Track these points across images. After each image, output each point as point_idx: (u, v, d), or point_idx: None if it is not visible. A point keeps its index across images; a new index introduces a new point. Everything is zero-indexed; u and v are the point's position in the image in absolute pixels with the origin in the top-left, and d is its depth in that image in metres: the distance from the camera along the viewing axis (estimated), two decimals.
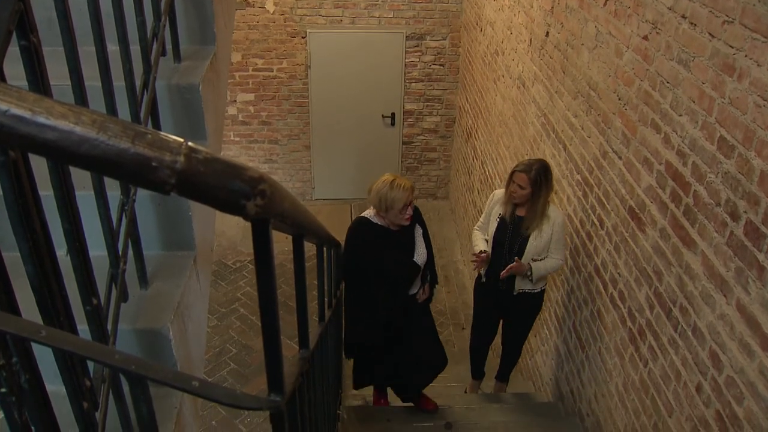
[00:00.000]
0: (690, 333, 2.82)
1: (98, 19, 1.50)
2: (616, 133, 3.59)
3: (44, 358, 1.09)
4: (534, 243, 4.15)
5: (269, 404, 1.07)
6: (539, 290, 4.40)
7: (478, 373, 5.28)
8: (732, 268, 2.49)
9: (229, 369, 6.34)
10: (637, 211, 3.34)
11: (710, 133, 2.64)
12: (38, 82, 1.12)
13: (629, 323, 3.44)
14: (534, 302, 4.48)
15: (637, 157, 3.33)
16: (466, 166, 8.16)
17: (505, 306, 4.53)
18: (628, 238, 3.43)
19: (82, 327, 1.30)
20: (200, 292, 2.06)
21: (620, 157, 3.54)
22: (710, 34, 2.63)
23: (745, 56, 2.39)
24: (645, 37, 3.22)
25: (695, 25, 2.75)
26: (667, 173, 3.00)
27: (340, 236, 3.81)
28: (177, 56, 2.17)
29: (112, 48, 1.62)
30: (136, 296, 1.78)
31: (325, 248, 2.49)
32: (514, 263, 4.15)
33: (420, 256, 4.16)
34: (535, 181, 3.98)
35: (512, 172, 4.12)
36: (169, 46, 2.15)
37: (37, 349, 0.96)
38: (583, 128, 4.10)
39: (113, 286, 1.60)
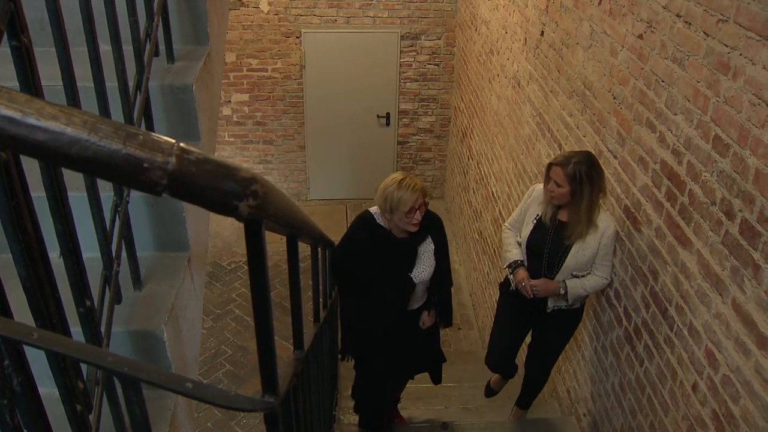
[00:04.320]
0: (686, 332, 2.82)
1: (90, 19, 1.49)
2: (611, 132, 3.59)
3: (37, 360, 1.08)
4: (576, 256, 3.47)
5: (263, 405, 1.07)
6: (579, 305, 3.76)
7: (502, 371, 4.47)
8: (727, 267, 2.49)
9: (225, 370, 6.33)
10: (633, 210, 3.34)
11: (705, 131, 2.64)
12: (29, 82, 1.11)
13: (625, 322, 3.44)
14: (571, 319, 3.82)
15: (632, 156, 3.33)
16: (461, 165, 8.16)
17: (535, 322, 3.90)
18: (624, 237, 3.43)
19: (76, 329, 1.29)
20: (195, 294, 2.06)
21: (615, 157, 3.54)
22: (705, 32, 2.63)
23: (740, 55, 2.39)
24: (640, 36, 3.22)
25: (690, 23, 2.75)
26: (663, 172, 3.00)
27: (336, 236, 3.76)
28: (170, 56, 2.16)
29: (105, 48, 1.62)
30: (129, 298, 1.77)
31: (319, 248, 2.48)
32: (540, 282, 3.58)
33: (421, 273, 3.67)
34: (574, 177, 3.27)
35: (549, 166, 3.43)
36: (162, 47, 2.14)
37: (29, 351, 0.95)
38: (578, 127, 4.10)
39: (107, 287, 1.59)
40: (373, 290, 3.68)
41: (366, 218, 3.66)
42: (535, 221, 3.62)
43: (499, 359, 4.16)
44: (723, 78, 2.51)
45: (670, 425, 2.98)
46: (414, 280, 3.66)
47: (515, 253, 3.73)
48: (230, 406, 0.97)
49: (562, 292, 3.53)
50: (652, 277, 3.13)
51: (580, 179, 3.26)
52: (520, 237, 3.72)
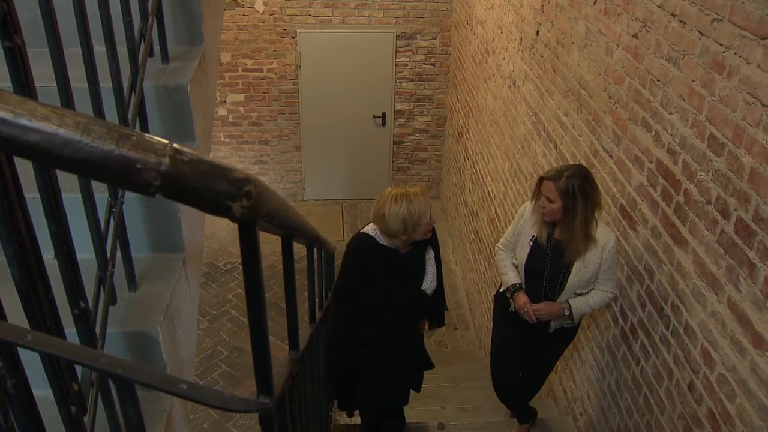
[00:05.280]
0: (682, 331, 2.82)
1: (84, 19, 1.49)
2: (606, 131, 3.59)
3: (31, 362, 1.07)
4: (579, 275, 3.30)
5: (258, 406, 1.06)
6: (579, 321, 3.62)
7: (523, 417, 4.25)
8: (723, 265, 2.49)
9: (221, 371, 6.33)
10: (628, 210, 3.34)
11: (700, 131, 2.64)
12: (22, 83, 1.11)
13: (621, 322, 3.44)
14: (570, 333, 3.69)
15: (627, 156, 3.33)
16: (457, 165, 8.16)
17: (536, 339, 3.69)
18: (620, 236, 3.43)
19: (71, 331, 1.28)
20: (190, 294, 2.05)
21: (611, 156, 3.54)
22: (700, 32, 2.64)
23: (735, 54, 2.39)
24: (635, 35, 3.23)
25: (685, 23, 2.75)
26: (658, 171, 3.01)
27: (332, 237, 3.73)
28: (165, 57, 2.16)
29: (99, 49, 1.61)
30: (124, 299, 1.77)
31: (315, 249, 2.47)
32: (542, 306, 3.41)
33: (430, 283, 3.53)
34: (567, 192, 3.12)
35: (539, 180, 3.27)
36: (156, 47, 2.14)
37: (24, 353, 0.94)
38: (573, 127, 4.10)
39: (101, 288, 1.59)
40: (387, 314, 3.48)
41: (367, 242, 3.43)
42: (531, 243, 3.45)
43: (504, 381, 3.94)
44: (718, 77, 2.51)
45: (667, 424, 2.98)
46: (426, 292, 3.52)
47: (512, 276, 3.55)
48: (224, 407, 0.97)
49: (567, 313, 3.38)
50: (647, 277, 3.14)
51: (573, 194, 3.12)
52: (516, 259, 3.55)
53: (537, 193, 3.29)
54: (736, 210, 2.40)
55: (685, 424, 2.81)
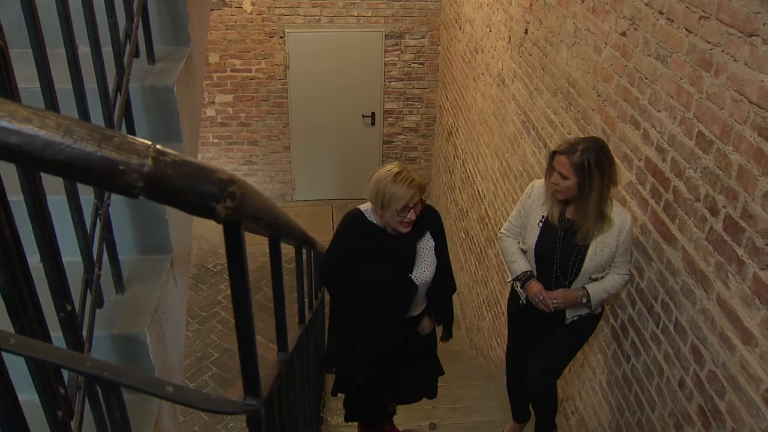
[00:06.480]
0: (672, 328, 2.83)
1: (68, 19, 1.47)
2: (595, 129, 3.60)
3: (17, 366, 1.06)
4: (594, 258, 3.04)
5: (245, 408, 1.06)
6: (600, 311, 3.37)
7: (520, 416, 4.07)
8: (712, 262, 2.50)
9: (211, 373, 6.31)
10: None
11: (689, 128, 2.65)
12: (5, 85, 1.09)
13: (611, 320, 3.45)
14: (591, 323, 3.38)
15: (617, 153, 3.33)
16: (447, 164, 8.16)
17: (552, 331, 3.39)
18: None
19: (57, 334, 1.27)
20: (178, 296, 2.04)
21: None
22: (687, 29, 2.64)
23: (722, 51, 2.40)
24: (623, 33, 3.23)
25: (672, 20, 2.76)
26: (647, 169, 3.01)
27: (321, 237, 3.66)
28: (151, 58, 2.15)
29: (84, 50, 1.60)
30: (112, 301, 1.75)
31: (304, 249, 2.47)
32: (559, 293, 3.15)
33: (422, 273, 3.29)
34: (581, 167, 2.87)
35: (552, 155, 3.02)
36: (142, 48, 2.12)
37: (9, 358, 0.93)
38: (563, 125, 4.10)
39: (88, 291, 1.58)
40: (370, 298, 3.30)
41: (356, 216, 3.30)
42: (541, 225, 3.18)
43: (520, 378, 3.68)
44: (705, 74, 2.52)
45: (657, 421, 2.99)
46: (415, 281, 3.29)
47: (522, 264, 3.28)
48: (211, 409, 0.96)
49: (585, 300, 3.13)
50: (637, 274, 3.14)
51: (589, 168, 2.86)
52: (525, 244, 3.27)
53: (549, 169, 3.05)
54: (724, 207, 2.40)
55: (676, 421, 2.81)
